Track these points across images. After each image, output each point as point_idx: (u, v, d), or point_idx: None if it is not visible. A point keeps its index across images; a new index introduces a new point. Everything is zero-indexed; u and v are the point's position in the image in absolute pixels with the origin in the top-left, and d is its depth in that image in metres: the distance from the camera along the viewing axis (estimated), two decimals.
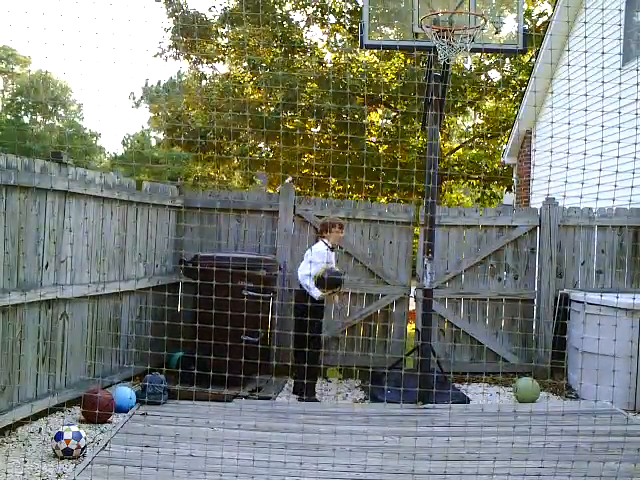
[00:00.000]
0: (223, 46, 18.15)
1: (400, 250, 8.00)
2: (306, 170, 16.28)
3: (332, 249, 7.00)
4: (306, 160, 16.41)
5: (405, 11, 7.14)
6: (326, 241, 6.95)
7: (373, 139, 18.32)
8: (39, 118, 41.16)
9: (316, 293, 6.74)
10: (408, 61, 16.76)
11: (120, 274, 6.67)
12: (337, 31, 18.68)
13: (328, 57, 18.73)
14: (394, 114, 18.72)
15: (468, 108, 18.64)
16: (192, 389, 5.84)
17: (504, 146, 15.50)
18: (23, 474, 4.14)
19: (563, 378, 7.33)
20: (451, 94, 15.09)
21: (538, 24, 16.68)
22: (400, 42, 7.42)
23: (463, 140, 21.43)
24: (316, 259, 6.79)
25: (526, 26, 8.43)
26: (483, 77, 17.65)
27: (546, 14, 16.88)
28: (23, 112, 39.55)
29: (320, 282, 6.72)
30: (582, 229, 8.07)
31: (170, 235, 7.71)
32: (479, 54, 15.36)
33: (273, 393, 6.81)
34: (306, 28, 18.35)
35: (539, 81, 11.86)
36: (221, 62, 19.06)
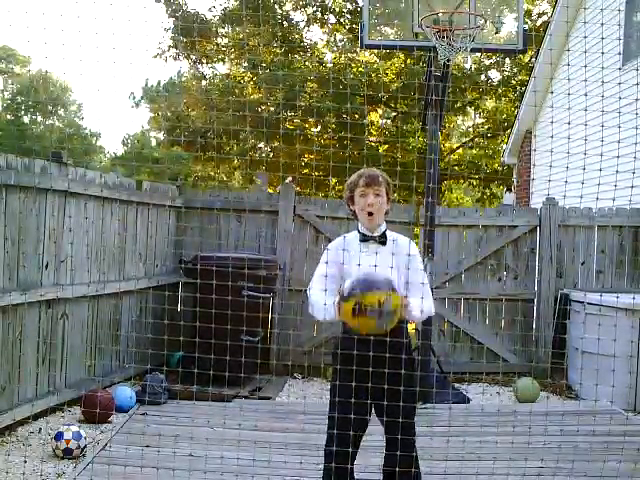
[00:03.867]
0: (223, 46, 18.17)
1: None
2: (306, 170, 16.27)
3: (368, 239, 3.35)
4: (306, 160, 16.41)
5: (405, 11, 7.14)
6: (359, 224, 3.43)
7: (373, 139, 18.32)
8: (39, 118, 41.14)
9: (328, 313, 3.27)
10: (408, 61, 16.77)
11: (120, 274, 6.67)
12: (337, 31, 18.70)
13: (328, 57, 18.74)
14: (394, 114, 18.73)
15: (468, 108, 18.65)
16: (192, 389, 5.85)
17: (504, 146, 15.52)
18: (23, 474, 4.14)
19: (563, 378, 7.32)
20: (451, 94, 15.09)
21: (538, 24, 16.69)
22: (400, 42, 7.42)
23: (463, 140, 21.44)
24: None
25: (526, 26, 8.43)
26: (483, 77, 17.66)
27: (546, 14, 16.90)
28: (23, 112, 39.54)
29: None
30: (582, 229, 8.07)
31: (170, 235, 7.72)
32: (479, 54, 15.36)
33: (273, 393, 6.82)
34: (306, 28, 18.39)
35: (539, 81, 11.88)
36: (221, 62, 19.08)
